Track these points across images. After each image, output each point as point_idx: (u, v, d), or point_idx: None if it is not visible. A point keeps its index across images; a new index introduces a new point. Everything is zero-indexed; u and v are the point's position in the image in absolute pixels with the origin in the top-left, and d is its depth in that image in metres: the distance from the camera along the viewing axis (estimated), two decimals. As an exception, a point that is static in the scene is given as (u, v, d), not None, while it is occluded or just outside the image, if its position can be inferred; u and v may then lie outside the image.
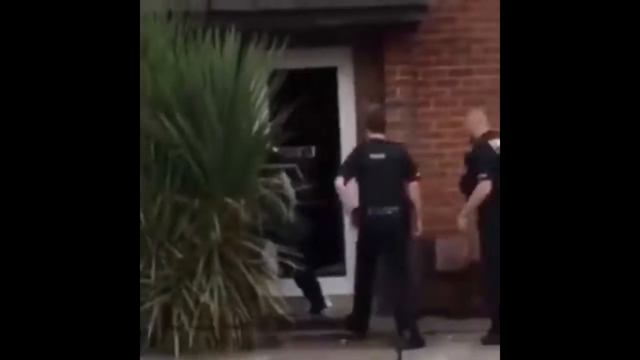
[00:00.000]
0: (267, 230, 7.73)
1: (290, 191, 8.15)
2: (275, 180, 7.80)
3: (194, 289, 7.24)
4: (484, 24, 8.82)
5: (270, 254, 7.85)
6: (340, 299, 8.75)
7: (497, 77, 8.43)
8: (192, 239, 7.26)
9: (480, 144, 7.65)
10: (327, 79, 9.09)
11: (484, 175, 7.40)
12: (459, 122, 8.71)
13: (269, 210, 7.77)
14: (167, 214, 7.16)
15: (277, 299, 7.61)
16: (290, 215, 7.91)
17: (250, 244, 7.57)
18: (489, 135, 7.73)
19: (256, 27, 7.55)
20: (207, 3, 7.91)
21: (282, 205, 7.79)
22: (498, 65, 8.45)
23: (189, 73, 6.93)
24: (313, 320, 8.37)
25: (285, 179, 8.15)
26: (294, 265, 7.64)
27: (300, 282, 8.32)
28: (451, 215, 8.53)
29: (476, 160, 7.57)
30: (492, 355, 7.24)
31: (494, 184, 7.30)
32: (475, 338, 7.84)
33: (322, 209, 8.66)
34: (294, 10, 8.20)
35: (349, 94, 9.06)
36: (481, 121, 7.83)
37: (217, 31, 7.35)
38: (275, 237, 7.86)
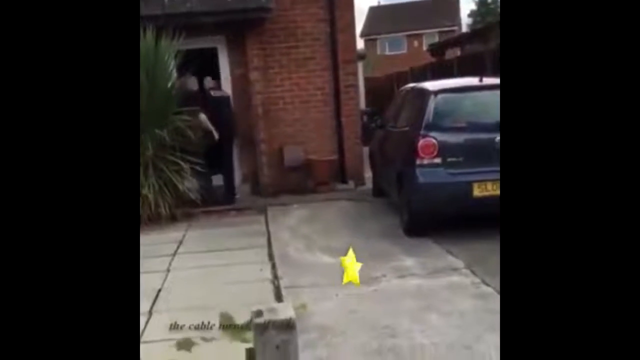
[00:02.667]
0: (182, 147, 8.23)
1: (205, 123, 8.55)
2: (185, 117, 8.25)
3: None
4: (303, 18, 9.56)
5: (183, 162, 8.17)
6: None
7: (312, 49, 9.84)
8: None
9: None
10: (211, 55, 9.47)
11: None
12: (292, 77, 9.63)
13: (182, 135, 8.26)
14: None
15: (189, 189, 8.23)
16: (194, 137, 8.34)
17: (171, 157, 8.12)
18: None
19: (165, 24, 8.03)
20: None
21: (190, 132, 8.25)
22: (312, 42, 9.72)
23: None
24: (211, 200, 8.77)
25: (202, 117, 8.48)
26: (198, 168, 8.29)
27: (201, 178, 8.64)
28: (292, 132, 9.70)
29: None
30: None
31: None
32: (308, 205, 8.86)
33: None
34: (187, 13, 8.64)
35: (225, 64, 9.60)
36: None
37: (140, 28, 7.53)
38: (187, 152, 8.26)
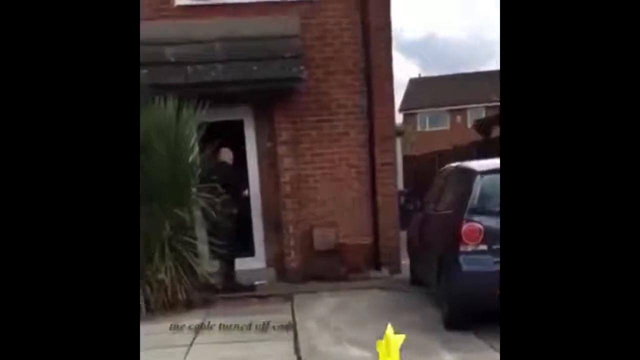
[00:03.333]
0: (202, 227, 8.34)
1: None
2: (205, 194, 8.21)
3: (153, 269, 7.82)
4: (337, 90, 9.78)
5: (203, 243, 8.30)
6: (252, 272, 9.56)
7: (347, 123, 9.95)
8: (149, 234, 7.64)
9: None
10: (237, 127, 9.73)
11: None
12: (324, 153, 9.79)
13: (203, 214, 8.31)
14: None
15: (209, 274, 8.23)
16: (215, 217, 8.25)
17: (190, 238, 8.12)
18: None
19: (187, 95, 8.13)
20: (153, 79, 8.10)
21: (211, 211, 8.20)
22: (347, 116, 9.87)
23: (144, 127, 6.77)
24: (232, 286, 8.85)
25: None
26: (219, 251, 8.28)
27: (222, 261, 8.68)
28: (322, 213, 9.80)
29: None
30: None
31: None
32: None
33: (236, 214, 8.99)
34: (212, 82, 8.84)
35: (251, 137, 9.81)
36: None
37: (161, 98, 7.98)
38: (207, 232, 8.36)
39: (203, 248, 8.36)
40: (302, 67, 9.16)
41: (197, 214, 8.42)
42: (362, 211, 9.94)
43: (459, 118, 45.22)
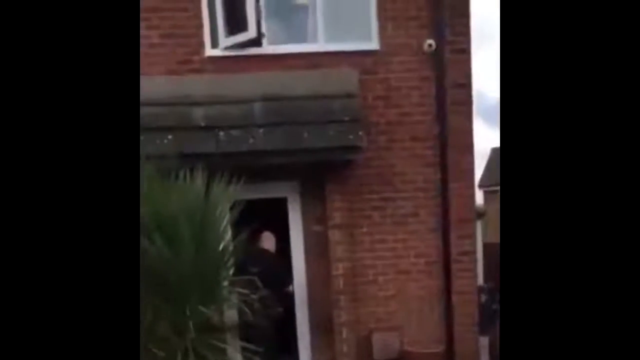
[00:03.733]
0: (233, 329, 7.60)
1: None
2: (240, 289, 7.47)
3: None
4: (403, 161, 9.00)
5: (235, 349, 7.60)
6: None
7: (416, 202, 9.14)
8: (170, 338, 6.97)
9: None
10: (279, 207, 8.99)
11: None
12: (386, 239, 8.99)
13: (236, 314, 7.67)
14: (149, 319, 7.26)
15: None
16: (252, 317, 7.46)
17: (218, 342, 7.28)
18: None
19: (219, 166, 7.36)
20: (178, 147, 7.82)
21: (247, 310, 7.41)
22: (415, 194, 9.07)
23: (166, 204, 6.82)
24: None
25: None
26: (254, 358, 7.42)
27: None
28: (384, 314, 8.98)
29: None
30: None
31: None
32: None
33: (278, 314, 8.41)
34: (250, 152, 8.10)
35: (297, 219, 9.07)
36: None
37: (187, 169, 7.20)
38: (240, 335, 7.66)
39: (235, 356, 7.58)
40: (361, 133, 8.34)
41: (230, 313, 7.78)
42: (433, 312, 9.12)
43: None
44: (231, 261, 7.82)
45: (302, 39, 9.12)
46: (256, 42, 8.76)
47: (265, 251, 8.84)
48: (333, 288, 8.83)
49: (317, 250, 9.02)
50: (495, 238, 26.08)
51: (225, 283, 7.61)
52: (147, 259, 7.12)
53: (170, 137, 7.98)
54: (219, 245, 7.77)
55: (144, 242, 6.76)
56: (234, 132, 8.26)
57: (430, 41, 8.93)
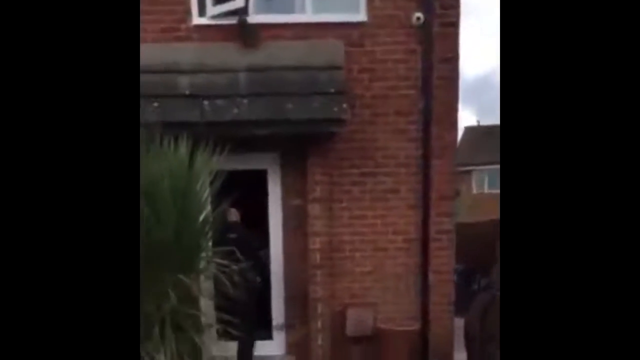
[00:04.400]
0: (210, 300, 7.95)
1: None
2: (219, 260, 7.76)
3: (151, 350, 7.29)
4: (386, 135, 9.57)
5: (212, 320, 8.06)
6: (269, 359, 9.48)
7: (396, 178, 9.55)
8: (146, 308, 7.11)
9: None
10: (259, 178, 9.54)
11: None
12: (365, 215, 9.58)
13: (215, 284, 7.88)
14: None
15: (219, 358, 8.04)
16: (231, 289, 7.66)
17: (196, 312, 7.68)
18: None
19: (203, 135, 7.79)
20: (163, 115, 8.32)
21: (225, 281, 7.66)
22: (397, 169, 9.39)
23: (149, 172, 7.12)
24: None
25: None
26: (233, 331, 7.77)
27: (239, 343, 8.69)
28: (359, 290, 9.55)
29: None
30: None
31: None
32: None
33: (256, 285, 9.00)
34: (233, 122, 8.66)
35: (276, 192, 9.63)
36: None
37: (172, 138, 7.65)
38: (217, 306, 8.06)
39: (212, 327, 8.14)
40: (345, 106, 8.86)
41: (207, 284, 8.16)
42: (409, 290, 9.67)
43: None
44: (211, 232, 8.65)
45: (290, 10, 9.57)
46: (243, 11, 9.18)
47: (236, 223, 9.29)
48: (309, 262, 9.30)
49: (295, 223, 9.50)
50: (468, 218, 26.76)
51: (205, 253, 8.03)
52: None
53: (155, 104, 8.44)
54: (200, 215, 8.28)
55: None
56: (219, 102, 8.76)
57: (419, 14, 9.43)
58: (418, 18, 9.61)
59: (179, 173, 8.14)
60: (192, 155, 8.15)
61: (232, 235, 8.52)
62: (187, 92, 8.81)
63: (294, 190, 9.61)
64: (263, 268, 9.33)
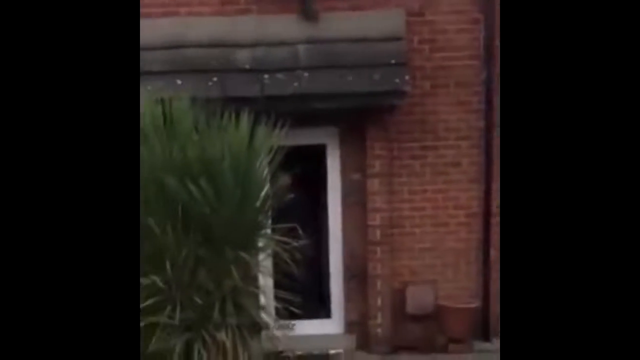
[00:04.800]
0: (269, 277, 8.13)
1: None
2: (279, 237, 7.73)
3: (211, 328, 7.46)
4: (447, 108, 9.37)
5: (271, 298, 8.21)
6: (327, 338, 9.45)
7: (458, 151, 9.35)
8: (208, 286, 7.42)
9: None
10: (318, 153, 9.49)
11: None
12: (426, 189, 9.44)
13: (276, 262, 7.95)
14: (189, 265, 7.25)
15: (278, 337, 7.93)
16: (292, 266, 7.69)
17: (257, 291, 7.93)
18: None
19: (263, 110, 7.78)
20: (223, 90, 8.33)
21: (287, 259, 7.68)
22: (458, 142, 9.29)
23: (210, 147, 7.28)
24: (307, 355, 8.65)
25: None
26: (294, 309, 7.78)
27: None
28: (419, 267, 9.43)
29: None
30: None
31: None
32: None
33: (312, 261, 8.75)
34: (294, 96, 8.57)
35: (335, 166, 9.54)
36: None
37: (232, 113, 7.58)
38: (278, 284, 8.10)
39: (270, 304, 8.20)
40: (407, 78, 8.74)
41: (266, 262, 8.24)
42: (470, 266, 9.59)
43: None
44: (271, 208, 8.56)
45: None
46: None
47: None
48: (369, 239, 9.24)
49: (353, 199, 9.44)
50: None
51: (264, 231, 8.10)
52: (193, 203, 7.76)
53: (215, 79, 8.39)
54: (260, 192, 8.38)
55: (190, 187, 7.05)
56: (279, 76, 8.66)
57: None
58: (482, -16, 9.07)
59: (239, 150, 8.00)
60: (252, 130, 8.02)
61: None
62: (247, 66, 8.72)
63: (353, 165, 9.50)
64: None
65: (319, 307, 9.65)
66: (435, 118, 9.48)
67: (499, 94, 8.93)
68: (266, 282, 8.40)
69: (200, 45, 8.64)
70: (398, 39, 9.04)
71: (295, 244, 7.97)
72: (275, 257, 8.24)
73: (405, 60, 8.92)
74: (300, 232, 8.05)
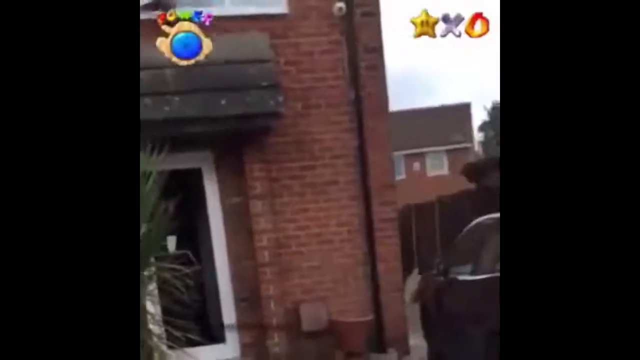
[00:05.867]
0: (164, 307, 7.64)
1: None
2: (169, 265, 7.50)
3: None
4: (320, 128, 9.49)
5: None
6: None
7: (334, 170, 9.43)
8: None
9: None
10: (195, 179, 9.34)
11: None
12: (308, 208, 9.47)
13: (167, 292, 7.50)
14: None
15: None
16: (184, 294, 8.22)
17: (150, 320, 7.36)
18: None
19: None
20: None
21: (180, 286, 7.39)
22: (333, 161, 9.31)
23: None
24: None
25: None
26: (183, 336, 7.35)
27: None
28: (310, 284, 9.45)
29: None
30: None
31: None
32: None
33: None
34: (166, 121, 8.40)
35: (213, 190, 9.42)
36: None
37: None
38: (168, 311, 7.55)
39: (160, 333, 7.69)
40: (281, 99, 8.79)
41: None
42: (358, 281, 9.65)
43: (416, 165, 45.64)
44: (159, 236, 8.38)
45: (207, 3, 9.21)
46: (157, 5, 8.82)
47: None
48: (258, 260, 9.19)
49: (236, 223, 9.35)
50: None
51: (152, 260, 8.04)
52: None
53: None
54: (147, 220, 8.32)
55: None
56: (146, 100, 8.34)
57: (340, 4, 9.35)
58: (340, 8, 9.51)
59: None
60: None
61: None
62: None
63: (233, 188, 9.46)
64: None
65: (211, 333, 9.46)
66: (310, 138, 9.56)
67: (367, 113, 9.57)
68: (156, 310, 8.10)
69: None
70: (266, 60, 9.09)
71: (186, 270, 7.78)
72: (163, 283, 7.94)
73: (275, 82, 8.96)
74: (192, 257, 8.00)
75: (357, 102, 9.59)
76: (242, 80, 8.87)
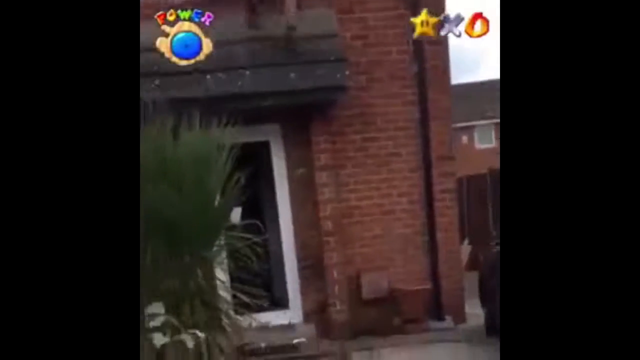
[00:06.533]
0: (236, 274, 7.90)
1: None
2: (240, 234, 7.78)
3: (181, 327, 7.17)
4: (383, 100, 9.70)
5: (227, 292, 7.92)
6: (287, 328, 9.53)
7: (396, 142, 9.65)
8: (174, 287, 7.45)
9: None
10: (262, 151, 9.64)
11: None
12: (370, 179, 9.74)
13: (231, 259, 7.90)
14: (157, 267, 7.21)
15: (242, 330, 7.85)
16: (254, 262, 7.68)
17: (220, 287, 7.81)
18: None
19: (208, 111, 7.60)
20: (165, 92, 8.14)
21: (250, 255, 7.69)
22: (396, 133, 9.60)
23: (170, 149, 7.32)
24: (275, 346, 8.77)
25: None
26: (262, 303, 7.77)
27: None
28: (371, 254, 9.72)
29: None
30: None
31: None
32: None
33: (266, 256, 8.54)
34: (238, 95, 8.67)
35: (280, 162, 9.68)
36: None
37: (181, 115, 7.42)
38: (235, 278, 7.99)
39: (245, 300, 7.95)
40: (347, 73, 8.97)
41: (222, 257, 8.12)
42: (418, 249, 9.87)
43: (464, 138, 45.54)
44: (231, 206, 8.55)
45: None
46: None
47: None
48: (322, 230, 9.42)
49: (302, 193, 9.61)
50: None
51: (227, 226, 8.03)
52: (153, 204, 7.74)
53: (157, 82, 8.39)
54: (219, 191, 8.54)
55: (147, 188, 6.94)
56: (221, 75, 8.77)
57: None
58: (404, -18, 9.37)
59: (198, 149, 8.03)
60: (202, 130, 7.98)
61: None
62: (189, 68, 8.58)
63: (299, 160, 9.71)
64: None
65: (277, 299, 9.74)
66: (373, 111, 9.76)
67: (429, 86, 9.71)
68: (226, 277, 8.36)
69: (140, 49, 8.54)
70: (333, 35, 9.27)
71: (256, 239, 7.98)
72: (233, 252, 8.20)
73: (343, 55, 9.13)
74: (262, 227, 8.30)
75: (421, 75, 9.76)
76: (310, 55, 9.06)
